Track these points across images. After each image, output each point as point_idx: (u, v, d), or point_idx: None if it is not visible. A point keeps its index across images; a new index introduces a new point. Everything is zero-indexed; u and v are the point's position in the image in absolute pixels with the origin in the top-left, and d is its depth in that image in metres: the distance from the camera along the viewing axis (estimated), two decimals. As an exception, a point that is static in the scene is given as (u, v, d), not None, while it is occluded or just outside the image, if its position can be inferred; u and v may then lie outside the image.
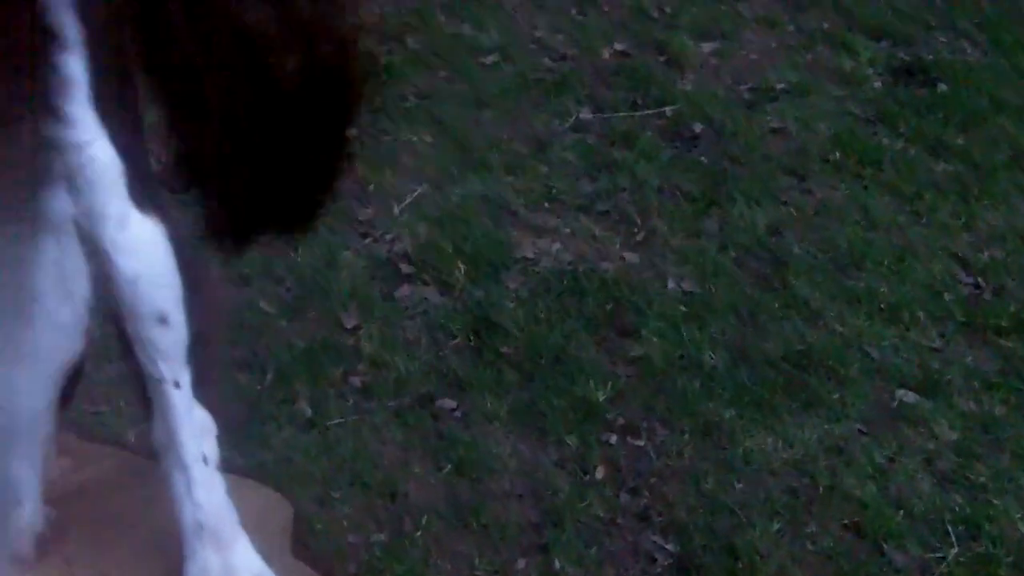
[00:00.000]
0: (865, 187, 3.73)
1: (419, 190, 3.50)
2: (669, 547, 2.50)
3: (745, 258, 3.36)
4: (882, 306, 3.20)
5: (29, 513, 1.33)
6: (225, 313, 2.76)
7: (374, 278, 3.14)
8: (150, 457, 1.73)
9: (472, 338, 2.96)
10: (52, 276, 1.18)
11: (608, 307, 3.11)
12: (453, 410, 2.76)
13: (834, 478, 2.67)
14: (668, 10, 4.66)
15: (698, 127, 3.94)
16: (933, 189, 3.72)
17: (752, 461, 2.69)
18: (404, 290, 3.12)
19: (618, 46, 4.40)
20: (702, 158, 3.79)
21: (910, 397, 2.93)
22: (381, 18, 4.38)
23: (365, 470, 2.57)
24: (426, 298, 3.09)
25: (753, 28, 4.61)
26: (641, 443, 2.73)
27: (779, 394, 2.87)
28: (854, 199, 3.66)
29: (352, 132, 1.28)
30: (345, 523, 2.45)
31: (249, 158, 1.12)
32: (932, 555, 2.54)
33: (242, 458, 2.45)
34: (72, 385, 1.47)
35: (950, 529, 2.59)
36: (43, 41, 1.28)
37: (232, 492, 1.71)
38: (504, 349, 2.93)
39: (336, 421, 2.69)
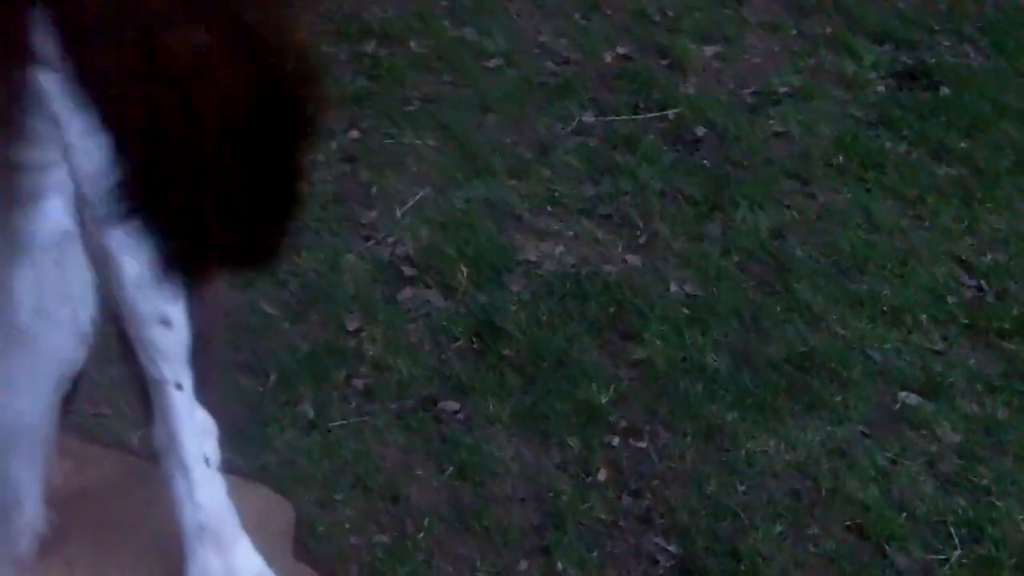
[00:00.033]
0: (868, 191, 3.72)
1: (422, 193, 3.51)
2: (671, 549, 2.49)
3: (747, 261, 3.36)
4: (885, 309, 3.20)
5: (30, 515, 1.33)
6: (226, 315, 2.76)
7: (377, 281, 3.15)
8: (152, 460, 1.74)
9: (475, 341, 2.96)
10: (51, 287, 1.18)
11: (611, 310, 3.11)
12: (455, 413, 2.77)
13: (836, 480, 2.67)
14: (671, 14, 4.66)
15: (700, 131, 3.94)
16: (936, 193, 3.72)
17: (754, 463, 2.69)
18: (407, 293, 3.12)
19: (621, 50, 4.41)
20: (704, 162, 3.79)
21: (913, 399, 2.92)
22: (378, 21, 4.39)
23: (367, 472, 2.57)
24: (429, 301, 3.09)
25: (756, 32, 4.61)
26: (643, 445, 2.73)
27: (781, 397, 2.87)
28: (857, 203, 3.65)
29: (307, 159, 1.22)
30: (347, 525, 2.45)
31: (186, 184, 1.09)
32: (935, 557, 2.53)
33: (244, 460, 2.46)
34: (73, 387, 1.48)
35: (953, 531, 2.58)
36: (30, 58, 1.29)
37: (234, 494, 1.71)
38: (507, 352, 2.93)
39: (338, 423, 2.69)
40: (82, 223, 1.44)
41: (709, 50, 4.43)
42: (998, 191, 3.74)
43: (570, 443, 2.70)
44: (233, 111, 1.06)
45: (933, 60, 4.44)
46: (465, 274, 3.16)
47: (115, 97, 1.02)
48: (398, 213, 3.41)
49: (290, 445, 2.60)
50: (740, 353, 3.00)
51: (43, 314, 1.16)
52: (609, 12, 4.66)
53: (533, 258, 3.29)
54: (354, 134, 3.79)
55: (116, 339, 1.67)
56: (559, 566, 2.44)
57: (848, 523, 2.58)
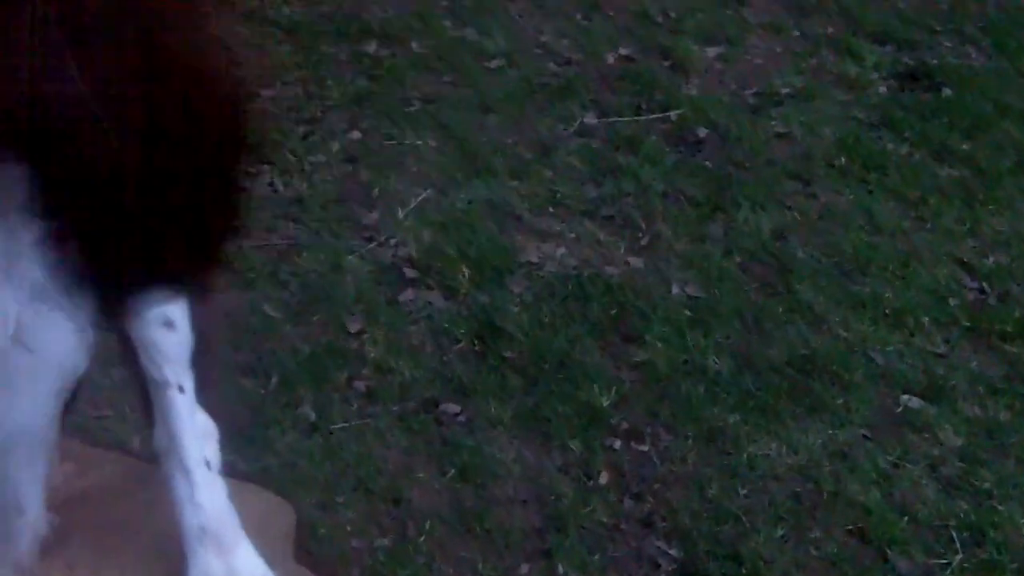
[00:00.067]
0: (870, 192, 3.72)
1: (424, 195, 3.50)
2: (673, 553, 2.49)
3: (749, 263, 3.36)
4: (887, 311, 3.20)
5: (32, 519, 1.33)
6: (226, 317, 2.76)
7: (379, 282, 3.14)
8: (153, 462, 1.73)
9: (476, 343, 2.96)
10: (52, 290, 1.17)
11: (612, 312, 3.11)
12: (457, 415, 2.76)
13: (838, 484, 2.66)
14: (673, 15, 4.66)
15: (703, 132, 3.94)
16: (938, 194, 3.71)
17: (756, 467, 2.69)
18: (408, 294, 3.12)
19: (623, 51, 4.40)
20: (706, 163, 3.79)
21: (915, 402, 2.92)
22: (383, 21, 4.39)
23: (369, 475, 2.57)
24: (430, 303, 3.09)
25: (758, 33, 4.61)
26: (645, 448, 2.73)
27: (783, 399, 2.87)
28: (859, 204, 3.65)
29: (242, 183, 1.19)
30: (348, 528, 2.45)
31: (100, 203, 1.07)
32: (936, 561, 2.53)
33: (245, 462, 2.45)
34: (75, 390, 1.47)
35: (955, 535, 2.58)
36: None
37: (235, 496, 1.71)
38: (508, 354, 2.92)
39: (340, 425, 2.69)
40: None
41: (711, 51, 4.43)
42: (1000, 192, 3.74)
43: (571, 446, 2.70)
44: (147, 133, 1.04)
45: (935, 61, 4.44)
46: (467, 275, 3.16)
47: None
48: (400, 214, 3.41)
49: (291, 447, 2.60)
50: (742, 355, 2.99)
51: (44, 317, 1.15)
52: (611, 13, 4.66)
53: (535, 259, 3.28)
54: (355, 135, 3.79)
55: (117, 341, 1.67)
56: (560, 569, 2.44)
57: (850, 526, 2.58)
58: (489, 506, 2.54)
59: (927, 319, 3.18)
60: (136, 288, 1.11)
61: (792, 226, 3.52)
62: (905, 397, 2.94)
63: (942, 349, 3.11)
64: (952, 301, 3.27)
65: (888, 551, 2.53)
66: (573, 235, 3.41)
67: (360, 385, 2.81)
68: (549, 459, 2.67)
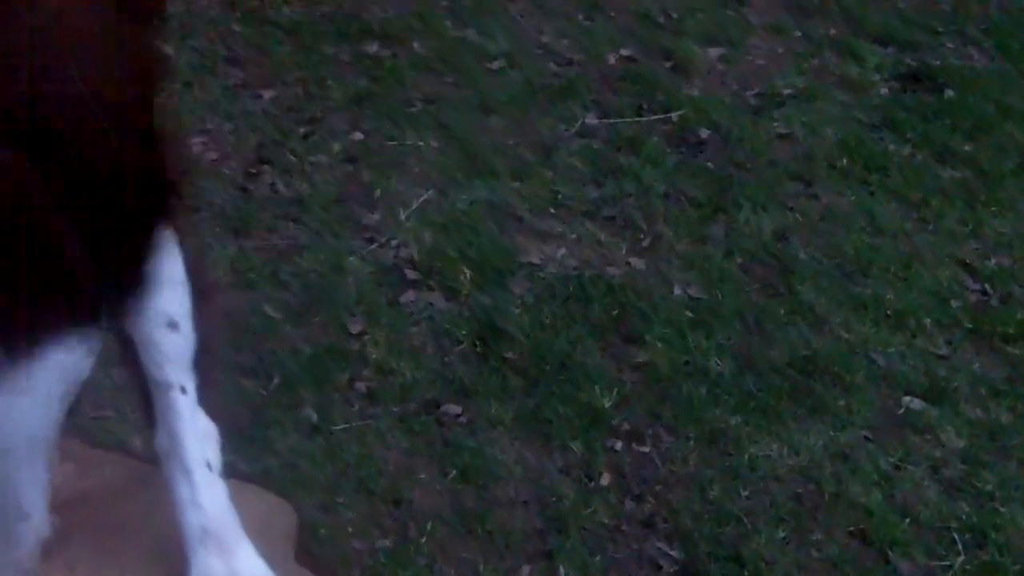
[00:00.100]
0: (872, 193, 3.72)
1: (425, 196, 3.50)
2: (674, 554, 2.49)
3: (751, 264, 3.36)
4: (888, 313, 3.19)
5: (36, 524, 1.33)
6: (228, 318, 2.76)
7: (380, 284, 3.14)
8: (154, 464, 1.73)
9: (478, 344, 2.96)
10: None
11: (614, 313, 3.10)
12: (458, 416, 2.76)
13: (840, 485, 2.66)
14: (674, 16, 4.66)
15: (704, 133, 3.94)
16: (940, 195, 3.71)
17: (758, 468, 2.68)
18: (410, 296, 3.11)
19: (624, 52, 4.40)
20: (708, 164, 3.79)
21: (916, 404, 2.92)
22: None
23: (370, 476, 2.57)
24: (432, 304, 3.09)
25: (760, 34, 4.61)
26: (646, 450, 2.72)
27: (785, 401, 2.86)
28: (861, 205, 3.65)
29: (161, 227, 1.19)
30: (349, 529, 2.45)
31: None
32: (938, 563, 2.53)
33: (247, 463, 2.45)
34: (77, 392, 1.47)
35: (956, 537, 2.57)
36: None
37: (236, 497, 1.71)
38: (509, 355, 2.92)
39: (341, 427, 2.69)
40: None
41: (713, 52, 4.43)
42: (1002, 193, 3.74)
43: (573, 447, 2.70)
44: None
45: (937, 62, 4.43)
46: (468, 277, 3.16)
47: None
48: (401, 215, 3.40)
49: (292, 448, 2.60)
50: (743, 357, 2.99)
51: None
52: (612, 14, 4.65)
53: (536, 261, 3.28)
54: (356, 136, 3.79)
55: (117, 341, 1.67)
56: (561, 570, 2.44)
57: (851, 528, 2.57)
58: (490, 507, 2.53)
59: (929, 320, 3.18)
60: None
61: (794, 227, 3.52)
62: (907, 398, 2.93)
63: (944, 351, 3.11)
64: (954, 303, 3.27)
65: (890, 552, 2.53)
66: (574, 236, 3.41)
67: (361, 386, 2.81)
68: (550, 460, 2.67)
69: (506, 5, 4.65)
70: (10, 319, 1.08)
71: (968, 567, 2.52)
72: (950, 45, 4.62)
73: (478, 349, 2.95)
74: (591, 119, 3.98)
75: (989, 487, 2.69)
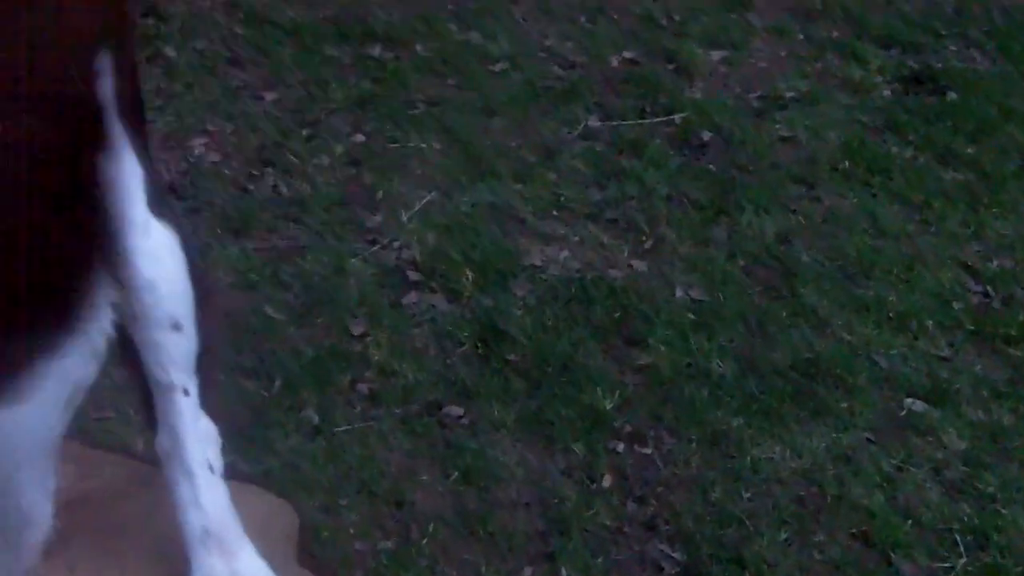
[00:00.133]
0: (874, 195, 3.72)
1: (427, 197, 3.50)
2: (676, 556, 2.49)
3: (753, 266, 3.35)
4: (891, 315, 3.19)
5: (40, 531, 1.32)
6: (230, 319, 2.76)
7: (382, 285, 3.14)
8: (155, 465, 1.73)
9: (480, 346, 2.96)
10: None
11: (616, 315, 3.10)
12: (460, 418, 2.76)
13: (842, 487, 2.66)
14: (677, 18, 4.66)
15: (707, 135, 3.94)
16: (942, 198, 3.71)
17: (760, 470, 2.68)
18: (412, 297, 3.11)
19: (627, 54, 4.40)
20: (711, 166, 3.79)
21: (918, 406, 2.91)
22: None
23: (372, 477, 2.57)
24: (434, 305, 3.09)
25: (762, 37, 4.61)
26: (648, 452, 2.72)
27: (787, 403, 2.86)
28: (863, 207, 3.65)
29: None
30: (351, 531, 2.45)
31: None
32: (940, 565, 2.52)
33: (249, 465, 2.45)
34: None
35: (958, 539, 2.57)
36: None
37: (238, 499, 1.71)
38: (511, 357, 2.92)
39: (343, 428, 2.69)
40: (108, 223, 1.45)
41: (716, 55, 4.43)
42: (1004, 196, 3.73)
43: (575, 449, 2.70)
44: None
45: (939, 65, 4.43)
46: (470, 279, 3.16)
47: None
48: (403, 217, 3.41)
49: (294, 450, 2.60)
50: (746, 359, 2.99)
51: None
52: (615, 16, 4.65)
53: (538, 263, 3.28)
54: (359, 138, 3.79)
55: (118, 342, 1.67)
56: (563, 572, 2.44)
57: (853, 530, 2.57)
58: (492, 509, 2.53)
59: (931, 322, 3.18)
60: None
61: (796, 230, 3.52)
62: (909, 400, 2.93)
63: (946, 352, 3.10)
64: (956, 305, 3.27)
65: (892, 554, 2.53)
66: (577, 238, 3.41)
67: (363, 388, 2.81)
68: (552, 462, 2.67)
69: (509, 8, 4.65)
70: (5, 328, 1.08)
71: (970, 569, 2.52)
72: (952, 47, 4.62)
73: (480, 351, 2.95)
74: (594, 121, 3.98)
75: (991, 489, 2.69)
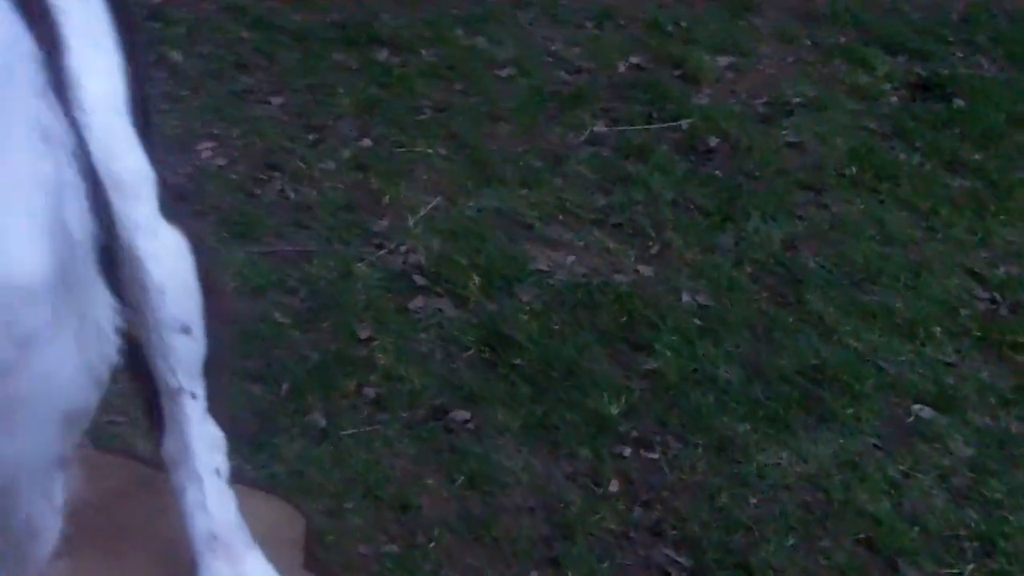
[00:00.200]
0: (881, 202, 3.71)
1: (434, 202, 3.50)
2: (682, 561, 2.48)
3: (760, 273, 3.35)
4: (897, 321, 3.19)
5: (46, 544, 1.31)
6: (236, 324, 2.76)
7: (388, 290, 3.14)
8: (162, 469, 1.73)
9: (485, 351, 2.96)
10: (58, 322, 1.12)
11: (622, 320, 3.10)
12: (466, 422, 2.76)
13: (848, 493, 2.65)
14: (684, 24, 4.66)
15: (713, 141, 3.94)
16: (949, 204, 3.70)
17: (766, 476, 2.68)
18: (418, 302, 3.11)
19: (634, 60, 4.40)
20: (717, 172, 3.79)
21: (925, 413, 2.91)
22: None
23: (377, 482, 2.56)
24: (440, 310, 3.09)
25: (769, 42, 4.61)
26: (654, 457, 2.72)
27: (793, 409, 2.86)
28: (870, 214, 3.65)
29: None
30: (356, 535, 2.44)
31: None
32: (946, 572, 2.52)
33: (255, 469, 2.45)
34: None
35: (965, 546, 2.57)
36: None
37: (244, 503, 1.71)
38: (517, 362, 2.92)
39: (349, 432, 2.69)
40: (109, 227, 1.44)
41: (722, 60, 4.43)
42: (1012, 203, 3.73)
43: (580, 454, 2.69)
44: None
45: (947, 71, 4.43)
46: (476, 283, 3.16)
47: None
48: (409, 222, 3.41)
49: (300, 455, 2.60)
50: (752, 365, 2.99)
51: (41, 352, 1.11)
52: (622, 22, 4.66)
53: (544, 268, 3.28)
54: (365, 142, 3.79)
55: (126, 348, 1.67)
56: (569, 577, 2.43)
57: (859, 537, 2.57)
58: (497, 514, 2.53)
59: (938, 329, 3.17)
60: None
61: (803, 236, 3.52)
62: (916, 407, 2.93)
63: (953, 359, 3.10)
64: (963, 311, 3.26)
65: (898, 561, 2.52)
66: (583, 243, 3.41)
67: (369, 392, 2.81)
68: (558, 467, 2.67)
69: (516, 13, 4.66)
70: None
71: (977, 576, 2.51)
72: (960, 54, 4.62)
73: (486, 356, 2.95)
74: (600, 127, 3.99)
75: (998, 496, 2.68)
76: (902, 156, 3.93)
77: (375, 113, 3.93)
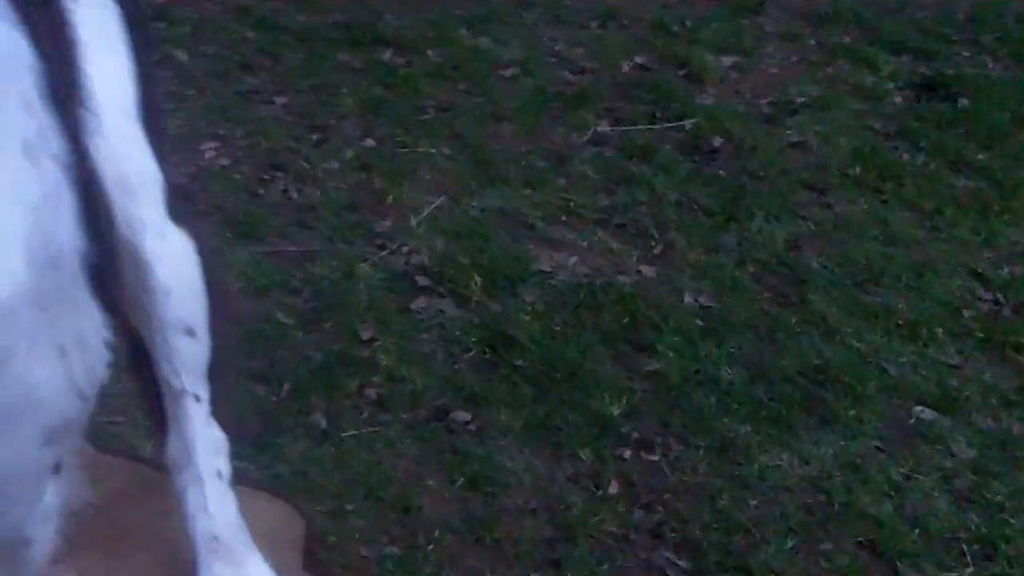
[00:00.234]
0: (885, 202, 3.71)
1: (437, 203, 3.51)
2: (682, 564, 2.48)
3: (763, 273, 3.35)
4: (900, 322, 3.19)
5: (40, 550, 1.31)
6: (239, 324, 2.76)
7: (391, 290, 3.15)
8: (164, 470, 1.74)
9: (487, 351, 2.96)
10: (38, 334, 1.11)
11: (624, 321, 3.10)
12: (467, 423, 2.76)
13: (850, 495, 2.65)
14: (688, 24, 4.66)
15: (717, 141, 3.94)
16: (953, 205, 3.70)
17: (767, 478, 2.68)
18: (420, 302, 3.12)
19: (638, 60, 4.40)
20: (721, 172, 3.78)
21: (927, 414, 2.91)
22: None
23: (379, 483, 2.57)
24: (442, 311, 3.09)
25: (774, 42, 4.61)
26: (656, 459, 2.72)
27: (795, 410, 2.86)
28: (874, 214, 3.64)
29: None
30: (358, 536, 2.45)
31: None
32: (947, 574, 2.51)
33: (256, 470, 2.46)
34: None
35: (966, 548, 2.56)
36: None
37: (245, 504, 1.71)
38: (519, 362, 2.92)
39: (351, 433, 2.69)
40: (113, 228, 1.45)
41: (727, 60, 4.43)
42: (1016, 203, 3.73)
43: (582, 455, 2.70)
44: None
45: (951, 71, 4.42)
46: (479, 284, 3.16)
47: None
48: (412, 222, 3.41)
49: (302, 455, 2.60)
50: (754, 366, 2.99)
51: (19, 367, 1.10)
52: (626, 22, 4.66)
53: (547, 268, 3.28)
54: (369, 142, 3.80)
55: (128, 348, 1.67)
56: (570, 579, 2.43)
57: (861, 539, 2.56)
58: (499, 515, 2.53)
59: (941, 330, 3.17)
60: None
61: (806, 236, 3.52)
62: (918, 409, 2.92)
63: (955, 360, 3.09)
64: (966, 312, 3.26)
65: (899, 564, 2.52)
66: (586, 244, 3.41)
67: (371, 393, 2.81)
68: (559, 468, 2.67)
69: (520, 13, 4.66)
70: None
71: (978, 579, 2.51)
72: (965, 54, 4.61)
73: (488, 356, 2.95)
74: (604, 127, 3.99)
75: (999, 498, 2.68)
76: (906, 156, 3.93)
77: (379, 113, 3.94)
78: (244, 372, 2.76)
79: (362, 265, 3.22)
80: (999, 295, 3.35)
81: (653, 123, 4.02)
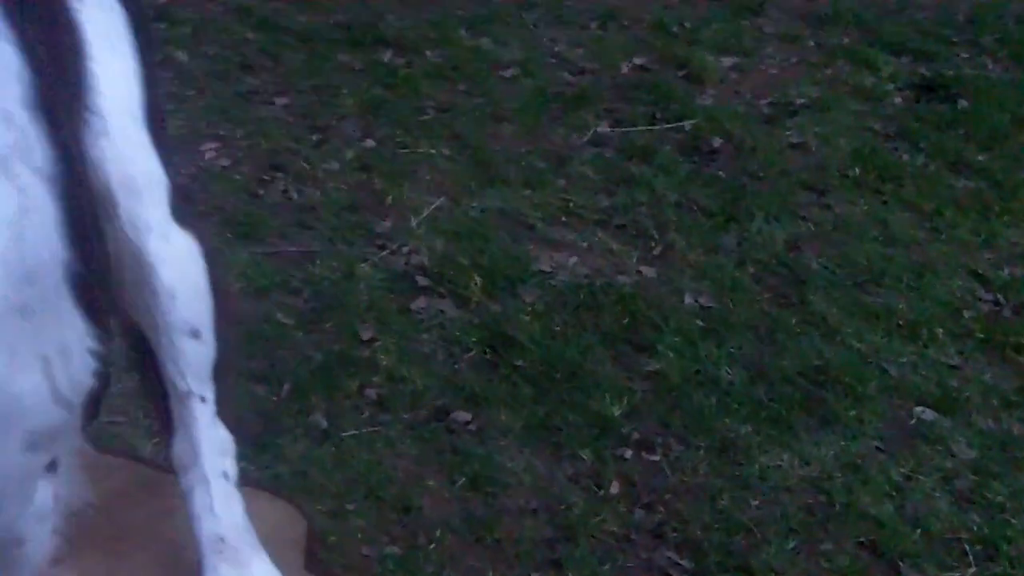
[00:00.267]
0: (885, 203, 3.71)
1: (437, 203, 3.51)
2: (683, 564, 2.48)
3: (763, 274, 3.35)
4: (900, 323, 3.19)
5: (34, 551, 1.31)
6: (239, 326, 2.76)
7: (391, 291, 3.15)
8: (165, 470, 1.73)
9: (488, 352, 2.96)
10: (19, 342, 1.10)
11: (624, 322, 3.10)
12: (468, 423, 2.76)
13: (850, 496, 2.65)
14: (688, 25, 4.66)
15: (717, 142, 3.94)
16: (953, 206, 3.70)
17: (768, 478, 2.68)
18: (420, 303, 3.12)
19: (638, 61, 4.40)
20: (720, 173, 3.78)
21: (928, 415, 2.91)
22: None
23: (379, 483, 2.57)
24: (442, 311, 3.09)
25: (773, 43, 4.61)
26: (656, 459, 2.72)
27: (796, 411, 2.86)
28: (874, 215, 3.64)
29: None
30: (359, 536, 2.45)
31: None
32: (949, 575, 2.51)
33: (257, 470, 2.46)
34: (96, 403, 1.47)
35: (967, 549, 2.56)
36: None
37: (246, 505, 1.71)
38: (519, 363, 2.92)
39: (351, 433, 2.69)
40: (116, 230, 1.45)
41: (726, 61, 4.43)
42: (1016, 204, 3.73)
43: (582, 455, 2.69)
44: None
45: (951, 72, 4.43)
46: (479, 284, 3.16)
47: None
48: (412, 222, 3.41)
49: (303, 455, 2.60)
50: (754, 366, 2.99)
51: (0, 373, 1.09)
52: (626, 23, 4.66)
53: (547, 269, 3.28)
54: (369, 143, 3.80)
55: (131, 349, 1.68)
56: (570, 579, 2.43)
57: (862, 539, 2.56)
58: (499, 515, 2.53)
59: (941, 331, 3.17)
60: None
61: (806, 237, 3.52)
62: (918, 409, 2.92)
63: (956, 361, 3.09)
64: (966, 313, 3.26)
65: (900, 564, 2.52)
66: (586, 244, 3.41)
67: (371, 393, 2.81)
68: (559, 469, 2.67)
69: (520, 14, 4.66)
70: None
71: (978, 579, 2.51)
72: (964, 55, 4.62)
73: (488, 357, 2.95)
74: (604, 128, 3.99)
75: (1000, 498, 2.68)
76: (906, 157, 3.93)
77: (379, 114, 3.94)
78: (244, 372, 2.75)
79: (362, 265, 3.22)
80: (999, 296, 3.35)
81: (653, 124, 4.02)
